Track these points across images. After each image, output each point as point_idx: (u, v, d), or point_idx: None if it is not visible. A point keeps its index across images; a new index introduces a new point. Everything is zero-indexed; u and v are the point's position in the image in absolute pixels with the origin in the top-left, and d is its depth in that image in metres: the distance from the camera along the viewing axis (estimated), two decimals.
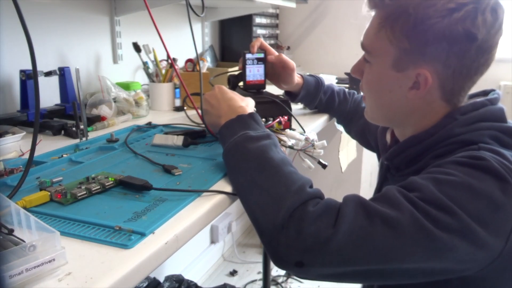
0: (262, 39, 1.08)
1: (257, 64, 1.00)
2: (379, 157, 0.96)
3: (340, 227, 0.54)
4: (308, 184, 0.62)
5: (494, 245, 0.57)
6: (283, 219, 0.56)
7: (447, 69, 0.66)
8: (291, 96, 1.17)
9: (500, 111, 0.70)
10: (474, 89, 0.73)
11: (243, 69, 0.99)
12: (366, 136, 1.10)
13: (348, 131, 1.22)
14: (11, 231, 0.47)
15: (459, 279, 0.61)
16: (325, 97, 1.20)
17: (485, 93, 0.75)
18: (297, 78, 1.13)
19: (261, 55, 1.01)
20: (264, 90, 1.07)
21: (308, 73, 1.22)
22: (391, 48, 0.68)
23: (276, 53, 1.09)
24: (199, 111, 0.82)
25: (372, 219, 0.55)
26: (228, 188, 0.68)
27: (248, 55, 0.99)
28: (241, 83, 1.06)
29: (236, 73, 1.08)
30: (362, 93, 0.80)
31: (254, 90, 1.04)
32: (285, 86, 1.14)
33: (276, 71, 1.10)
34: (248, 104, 0.81)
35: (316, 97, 1.18)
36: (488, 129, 0.66)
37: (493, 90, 0.74)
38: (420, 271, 0.57)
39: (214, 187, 0.68)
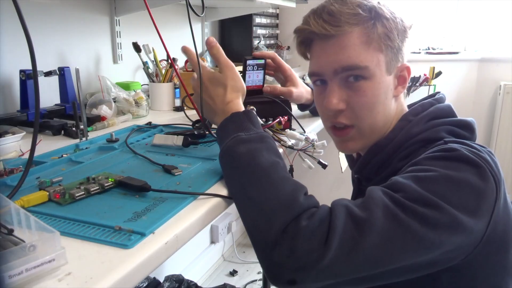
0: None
1: (257, 70, 1.01)
2: None
3: (331, 243, 0.54)
4: (301, 192, 0.60)
5: (479, 230, 0.59)
6: (276, 235, 0.55)
7: (405, 59, 0.77)
8: (301, 106, 1.20)
9: (448, 107, 0.75)
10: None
11: (243, 74, 1.00)
12: None
13: None
14: (11, 231, 0.47)
15: (447, 271, 0.62)
16: None
17: (430, 97, 0.80)
18: (307, 96, 1.14)
19: (261, 61, 1.01)
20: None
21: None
22: (381, 55, 0.72)
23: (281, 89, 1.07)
24: (199, 111, 0.82)
25: (361, 228, 0.55)
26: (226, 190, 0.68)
27: (249, 61, 0.99)
28: None
29: None
30: (345, 124, 0.75)
31: (251, 94, 1.04)
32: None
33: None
34: (235, 87, 0.77)
35: None
36: (443, 125, 0.71)
37: (438, 93, 0.80)
38: (408, 269, 0.58)
39: (213, 188, 0.69)
